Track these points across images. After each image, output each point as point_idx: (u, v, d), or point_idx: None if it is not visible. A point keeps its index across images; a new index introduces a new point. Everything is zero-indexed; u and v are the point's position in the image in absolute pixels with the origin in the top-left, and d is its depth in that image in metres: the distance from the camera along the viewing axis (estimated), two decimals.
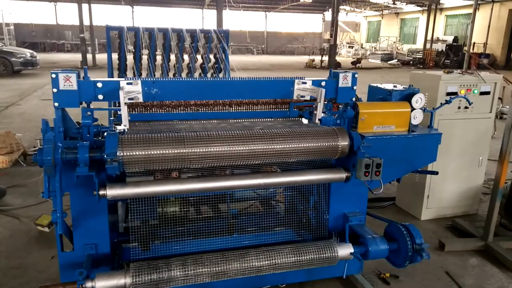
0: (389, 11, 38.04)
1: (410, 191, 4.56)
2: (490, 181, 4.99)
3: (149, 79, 2.54)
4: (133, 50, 4.50)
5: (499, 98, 4.78)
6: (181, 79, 2.67)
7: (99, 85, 2.42)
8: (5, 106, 10.32)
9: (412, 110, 3.11)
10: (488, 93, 4.28)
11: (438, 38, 30.83)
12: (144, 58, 4.50)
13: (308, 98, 2.83)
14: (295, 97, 2.82)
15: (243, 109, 2.96)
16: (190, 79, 2.68)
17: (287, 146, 2.46)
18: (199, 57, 4.83)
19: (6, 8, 29.51)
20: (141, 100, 2.52)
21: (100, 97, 2.43)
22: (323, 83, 2.81)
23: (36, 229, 3.95)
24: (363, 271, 3.23)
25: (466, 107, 4.18)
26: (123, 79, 2.50)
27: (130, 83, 2.47)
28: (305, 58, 28.56)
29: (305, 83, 2.80)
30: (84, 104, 2.47)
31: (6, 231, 4.00)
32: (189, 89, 2.64)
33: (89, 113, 2.41)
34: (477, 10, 19.34)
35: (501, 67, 24.88)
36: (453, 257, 3.71)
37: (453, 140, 4.23)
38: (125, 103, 2.42)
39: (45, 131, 2.20)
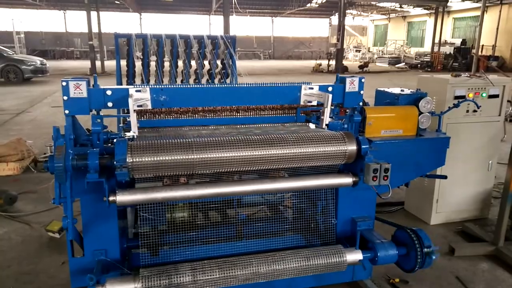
0: (396, 15, 37.92)
1: (418, 196, 4.53)
2: (500, 185, 4.94)
3: (158, 86, 2.57)
4: (141, 57, 4.55)
5: (508, 101, 4.73)
6: (189, 86, 2.69)
7: (109, 92, 2.45)
8: (16, 113, 10.46)
9: (419, 114, 3.11)
10: (496, 96, 4.25)
11: (446, 41, 30.63)
12: (152, 64, 4.55)
13: (315, 103, 2.84)
14: (302, 103, 2.83)
15: (250, 115, 2.98)
16: (198, 85, 2.70)
17: (295, 151, 2.47)
18: (206, 63, 4.87)
19: (17, 17, 30.01)
20: (149, 107, 2.55)
21: (110, 104, 2.46)
22: (330, 88, 2.81)
23: (47, 235, 4.00)
24: (372, 276, 3.21)
25: (474, 111, 4.15)
26: (132, 86, 2.53)
27: (139, 91, 2.50)
28: (312, 63, 28.56)
29: (312, 88, 2.80)
30: (94, 112, 2.51)
31: (17, 237, 4.05)
32: (197, 95, 2.66)
33: (99, 120, 2.44)
34: (485, 12, 19.22)
35: (510, 69, 24.63)
36: (463, 262, 3.68)
37: (462, 144, 4.20)
38: (134, 110, 2.45)
39: (56, 138, 2.24)
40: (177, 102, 2.64)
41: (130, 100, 2.41)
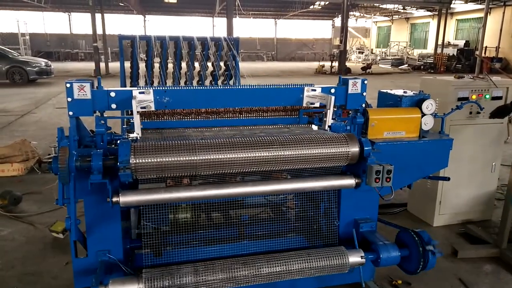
0: (399, 16, 37.86)
1: (421, 197, 4.52)
2: (504, 186, 4.92)
3: (161, 88, 2.58)
4: (145, 59, 4.57)
5: (511, 103, 4.72)
6: (192, 87, 2.70)
7: (112, 94, 2.47)
8: (20, 115, 10.52)
9: (422, 116, 3.11)
10: (500, 98, 4.24)
11: (449, 42, 30.54)
12: (156, 66, 4.57)
13: (317, 105, 2.85)
14: (304, 104, 2.83)
15: (253, 117, 2.99)
16: (201, 87, 2.72)
17: (297, 153, 2.48)
18: (209, 64, 4.89)
19: (22, 18, 30.18)
20: (153, 108, 2.56)
21: (113, 106, 2.48)
22: (332, 90, 2.82)
23: (50, 235, 4.02)
24: (375, 278, 3.21)
25: (478, 112, 4.14)
26: (136, 88, 2.54)
27: (142, 92, 2.51)
28: (315, 64, 28.56)
29: (314, 90, 2.81)
30: (98, 113, 2.52)
31: (21, 237, 4.07)
32: (200, 97, 2.67)
33: (102, 122, 2.45)
34: (488, 13, 19.15)
35: None
36: (466, 264, 3.67)
37: (465, 146, 4.19)
38: (138, 111, 2.47)
39: (60, 139, 2.25)
40: (181, 104, 2.65)
41: (133, 102, 2.43)
